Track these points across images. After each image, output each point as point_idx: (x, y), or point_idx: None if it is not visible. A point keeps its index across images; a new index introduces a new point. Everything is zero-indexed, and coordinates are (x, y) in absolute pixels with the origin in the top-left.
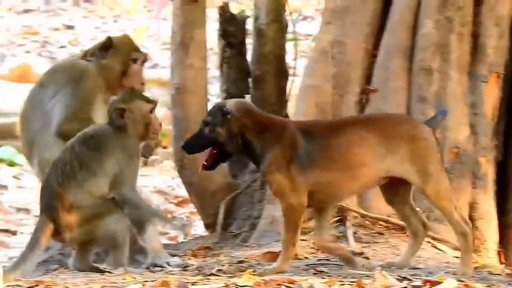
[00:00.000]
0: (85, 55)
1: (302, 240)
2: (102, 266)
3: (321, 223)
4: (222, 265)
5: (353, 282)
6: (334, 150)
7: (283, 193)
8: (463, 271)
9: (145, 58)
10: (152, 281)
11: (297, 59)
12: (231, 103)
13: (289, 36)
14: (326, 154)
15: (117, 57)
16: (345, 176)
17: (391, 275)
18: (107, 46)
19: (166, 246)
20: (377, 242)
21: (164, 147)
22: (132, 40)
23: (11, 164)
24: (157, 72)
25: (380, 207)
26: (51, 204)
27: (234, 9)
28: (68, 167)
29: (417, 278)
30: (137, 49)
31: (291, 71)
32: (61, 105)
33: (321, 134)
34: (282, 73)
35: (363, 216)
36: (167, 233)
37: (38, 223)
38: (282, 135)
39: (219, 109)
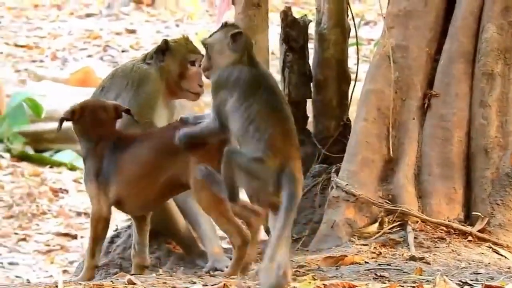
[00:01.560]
0: (145, 58)
1: (363, 245)
2: None
3: (140, 237)
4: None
5: (413, 287)
6: (127, 163)
7: (91, 203)
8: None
9: None
10: (213, 285)
11: (359, 63)
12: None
13: (351, 40)
14: (121, 166)
15: (174, 59)
16: (140, 187)
17: (451, 280)
18: (163, 49)
19: (226, 250)
20: (438, 247)
21: None
22: (189, 42)
23: (72, 168)
24: None
25: (442, 211)
26: None
27: (296, 13)
28: None
29: (478, 283)
30: (194, 51)
31: (353, 76)
32: (114, 99)
33: (122, 147)
34: (344, 77)
35: (424, 220)
36: (226, 237)
37: None
38: (97, 145)
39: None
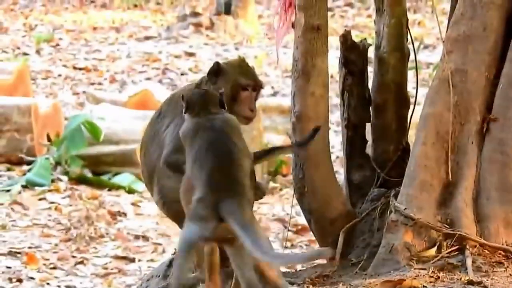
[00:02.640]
0: (201, 82)
1: (421, 269)
2: None
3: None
4: None
5: None
6: None
7: None
8: None
9: (256, 85)
10: None
11: (418, 87)
12: None
13: (410, 64)
14: None
15: (226, 82)
16: None
17: None
18: (216, 71)
19: (284, 274)
20: (496, 272)
21: (284, 175)
22: (243, 64)
23: (131, 191)
24: (277, 100)
25: (500, 236)
26: None
27: (355, 37)
28: None
29: None
30: (246, 74)
31: (412, 100)
32: (170, 135)
33: None
34: (403, 101)
35: (482, 245)
36: None
37: None
38: None
39: None
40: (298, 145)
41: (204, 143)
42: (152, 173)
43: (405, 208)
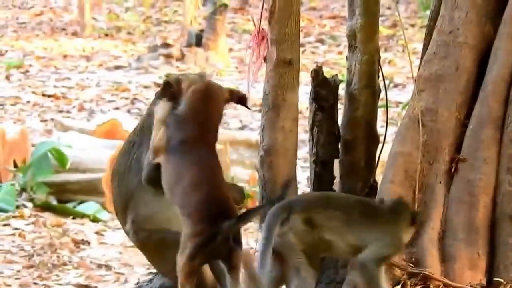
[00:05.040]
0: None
1: None
2: None
3: None
4: None
5: None
6: None
7: None
8: None
9: None
10: None
11: (388, 125)
12: None
13: (380, 102)
14: None
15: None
16: None
17: None
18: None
19: None
20: None
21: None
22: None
23: (95, 220)
24: (245, 133)
25: (465, 276)
26: None
27: (325, 73)
28: None
29: None
30: None
31: (381, 138)
32: (146, 152)
33: None
34: (372, 139)
35: (446, 285)
36: None
37: None
38: None
39: None
40: (270, 203)
41: None
42: (127, 201)
43: None
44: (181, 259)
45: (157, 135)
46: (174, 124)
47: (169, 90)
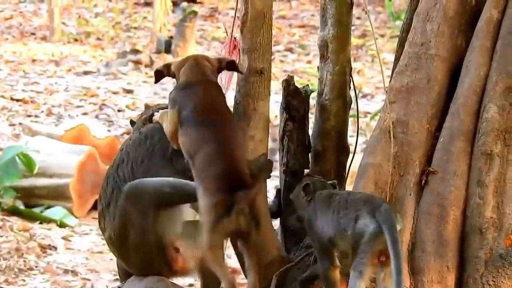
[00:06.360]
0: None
1: None
2: None
3: None
4: None
5: None
6: None
7: None
8: None
9: None
10: None
11: (359, 136)
12: None
13: (351, 112)
14: None
15: None
16: None
17: None
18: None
19: None
20: None
21: None
22: None
23: (62, 225)
24: None
25: None
26: None
27: (297, 82)
28: None
29: None
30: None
31: (351, 148)
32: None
33: None
34: (343, 149)
35: None
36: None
37: None
38: None
39: None
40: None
41: None
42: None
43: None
44: (202, 235)
45: (167, 121)
46: (179, 98)
47: (161, 75)
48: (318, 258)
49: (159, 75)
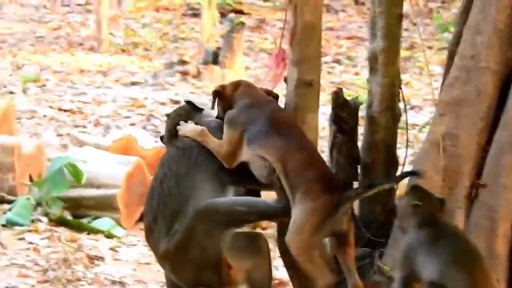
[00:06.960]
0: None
1: None
2: None
3: None
4: None
5: None
6: None
7: None
8: None
9: None
10: None
11: (408, 148)
12: None
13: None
14: None
15: None
16: None
17: None
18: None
19: None
20: None
21: (264, 228)
22: None
23: (109, 236)
24: None
25: None
26: None
27: (345, 94)
28: None
29: None
30: None
31: (400, 161)
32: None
33: None
34: (392, 162)
35: None
36: None
37: None
38: None
39: None
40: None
41: None
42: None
43: (390, 270)
44: (300, 237)
45: (214, 147)
46: (243, 119)
47: (219, 95)
48: (397, 273)
49: (217, 96)
